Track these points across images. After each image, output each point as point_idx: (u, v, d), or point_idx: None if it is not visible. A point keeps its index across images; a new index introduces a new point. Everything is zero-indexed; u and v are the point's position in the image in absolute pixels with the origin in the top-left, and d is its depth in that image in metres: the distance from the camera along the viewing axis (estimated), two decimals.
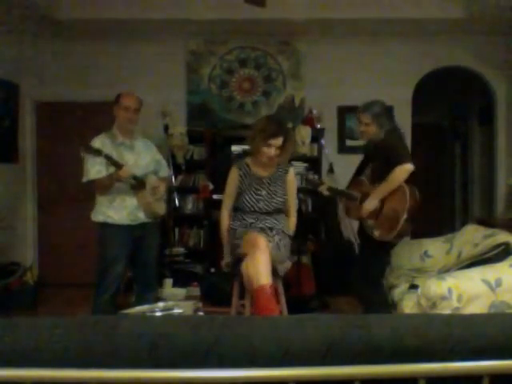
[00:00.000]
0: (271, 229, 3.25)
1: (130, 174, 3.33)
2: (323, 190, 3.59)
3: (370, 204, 3.28)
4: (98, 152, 3.25)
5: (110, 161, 3.28)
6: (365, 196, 3.34)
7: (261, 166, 3.34)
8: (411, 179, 3.20)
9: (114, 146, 3.44)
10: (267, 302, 2.83)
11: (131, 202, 3.46)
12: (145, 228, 3.55)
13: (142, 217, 3.51)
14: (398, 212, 3.14)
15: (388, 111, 3.44)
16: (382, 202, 3.25)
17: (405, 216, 3.10)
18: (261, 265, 2.92)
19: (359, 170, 3.56)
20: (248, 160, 3.38)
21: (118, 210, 3.44)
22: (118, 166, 3.28)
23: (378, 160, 3.34)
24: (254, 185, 3.30)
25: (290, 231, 3.37)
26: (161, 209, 3.65)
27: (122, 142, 3.50)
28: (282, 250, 3.22)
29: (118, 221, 3.44)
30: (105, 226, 3.45)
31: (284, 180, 3.34)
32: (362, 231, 3.46)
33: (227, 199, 3.41)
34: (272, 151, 3.20)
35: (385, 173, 3.20)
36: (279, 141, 3.19)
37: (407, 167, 3.13)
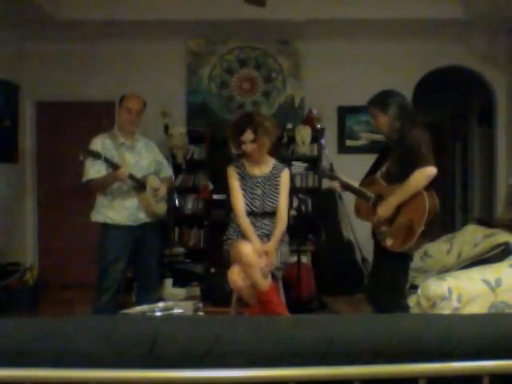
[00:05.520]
0: (268, 236, 3.26)
1: (126, 176, 3.31)
2: (335, 185, 3.26)
3: (386, 211, 2.93)
4: (97, 155, 3.25)
5: (109, 163, 3.27)
6: (379, 197, 3.02)
7: (255, 165, 3.33)
8: (433, 184, 2.87)
9: (115, 147, 3.44)
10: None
11: (132, 202, 3.46)
12: (145, 228, 3.54)
13: (142, 217, 3.51)
14: (414, 223, 2.80)
15: (403, 101, 3.05)
16: (398, 208, 2.90)
17: (422, 228, 2.77)
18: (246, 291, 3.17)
19: (374, 168, 3.19)
20: (243, 160, 3.37)
21: (119, 211, 3.44)
22: (116, 167, 3.28)
23: (395, 157, 2.98)
24: (250, 184, 3.29)
25: (283, 235, 3.34)
26: (161, 210, 3.64)
27: (123, 142, 3.50)
28: (279, 258, 3.25)
29: (118, 221, 3.44)
30: (105, 226, 3.46)
31: (278, 180, 3.32)
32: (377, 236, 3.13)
33: (239, 201, 3.26)
34: (247, 146, 3.20)
35: (401, 172, 2.87)
36: (249, 134, 3.16)
37: (429, 171, 2.79)
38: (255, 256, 3.08)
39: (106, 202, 3.45)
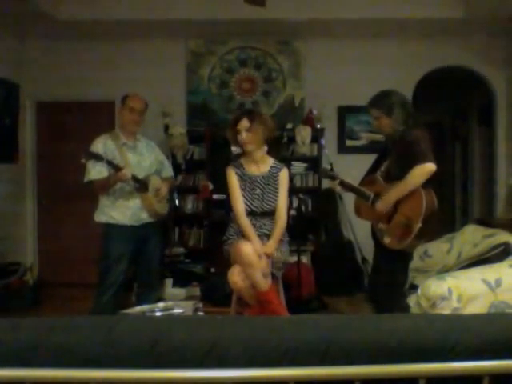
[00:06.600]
0: (268, 236, 3.26)
1: (128, 177, 3.31)
2: (335, 185, 3.25)
3: (383, 206, 2.95)
4: (98, 157, 3.25)
5: (111, 165, 3.28)
6: (377, 196, 3.01)
7: (254, 165, 3.33)
8: (432, 182, 2.87)
9: (117, 147, 3.45)
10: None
11: (134, 202, 3.47)
12: (147, 228, 3.55)
13: (145, 217, 3.52)
14: (411, 220, 2.79)
15: (403, 100, 3.04)
16: (396, 206, 2.91)
17: (419, 226, 2.76)
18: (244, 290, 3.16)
19: (374, 167, 3.19)
20: (242, 160, 3.37)
21: (121, 211, 3.45)
22: (118, 168, 3.28)
23: (395, 156, 2.97)
24: (249, 184, 3.29)
25: (283, 235, 3.34)
26: (163, 209, 3.65)
27: (125, 142, 3.51)
28: (279, 257, 3.26)
29: (121, 221, 3.44)
30: (107, 226, 3.46)
31: (277, 180, 3.33)
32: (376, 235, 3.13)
33: (238, 201, 3.26)
34: (243, 136, 3.23)
35: (401, 171, 2.86)
36: (244, 122, 3.22)
37: (428, 167, 2.78)
38: (256, 256, 3.08)
39: (108, 203, 3.46)
